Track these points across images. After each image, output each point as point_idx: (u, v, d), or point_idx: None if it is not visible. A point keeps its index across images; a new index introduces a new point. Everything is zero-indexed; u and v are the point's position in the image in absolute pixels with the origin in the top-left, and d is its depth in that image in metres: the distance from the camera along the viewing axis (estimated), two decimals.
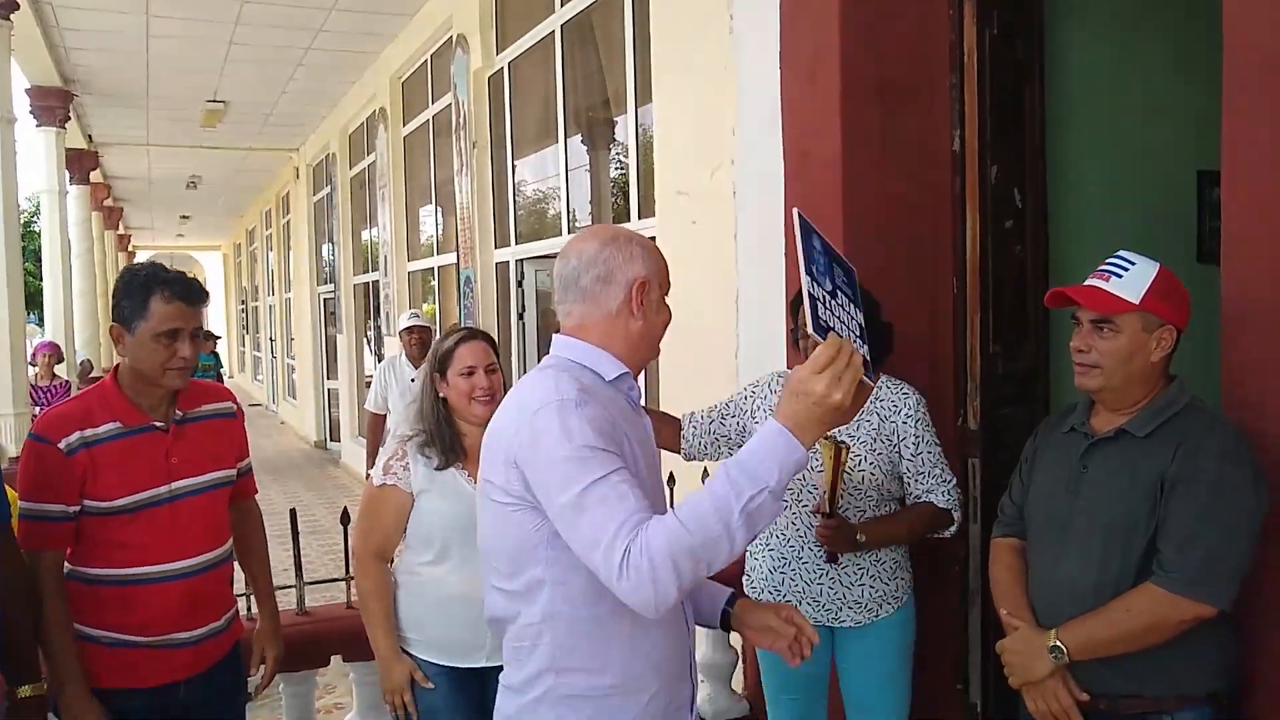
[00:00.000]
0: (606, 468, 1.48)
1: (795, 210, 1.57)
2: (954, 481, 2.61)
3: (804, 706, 2.71)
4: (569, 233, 6.29)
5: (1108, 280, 1.90)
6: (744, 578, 2.75)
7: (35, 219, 19.04)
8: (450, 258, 7.93)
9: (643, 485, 1.55)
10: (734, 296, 3.63)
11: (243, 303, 27.77)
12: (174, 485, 2.15)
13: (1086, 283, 1.94)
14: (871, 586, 2.57)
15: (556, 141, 6.24)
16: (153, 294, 2.09)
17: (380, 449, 4.30)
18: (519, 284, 6.66)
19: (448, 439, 2.40)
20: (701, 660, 3.46)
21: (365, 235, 11.95)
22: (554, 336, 1.73)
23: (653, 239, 4.72)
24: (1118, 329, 1.88)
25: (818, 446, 2.33)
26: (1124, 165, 3.88)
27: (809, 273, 1.46)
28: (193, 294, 2.15)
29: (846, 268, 1.61)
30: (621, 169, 5.78)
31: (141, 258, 34.73)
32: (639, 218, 5.00)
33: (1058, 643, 1.87)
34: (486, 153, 7.05)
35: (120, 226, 22.69)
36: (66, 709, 2.04)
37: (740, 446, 2.71)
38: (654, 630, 1.61)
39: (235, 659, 2.34)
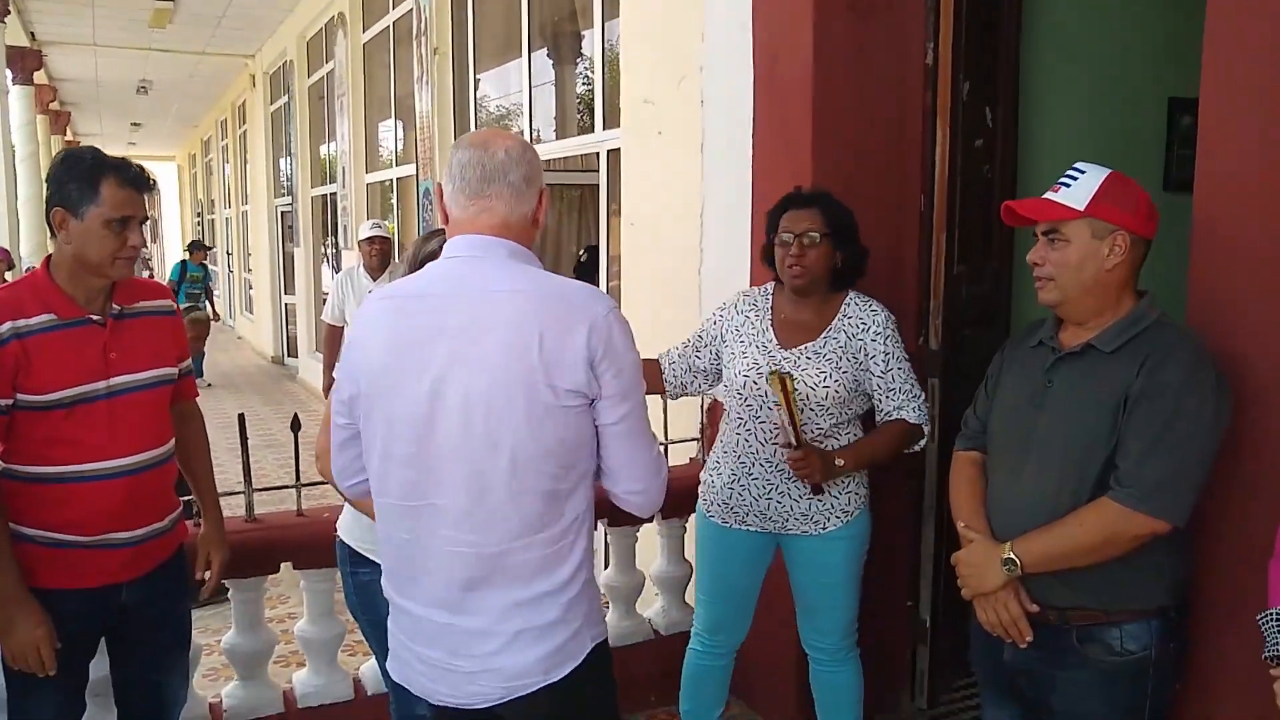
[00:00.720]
0: None
1: None
2: (923, 397, 2.60)
3: (730, 613, 2.74)
4: (536, 142, 6.15)
5: (1057, 191, 1.88)
6: (699, 488, 2.76)
7: None
8: (409, 169, 7.74)
9: None
10: (699, 210, 3.55)
11: (198, 215, 27.08)
12: (113, 381, 2.06)
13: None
14: (819, 500, 2.57)
15: (520, 54, 6.06)
16: (104, 178, 1.98)
17: (337, 362, 4.21)
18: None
19: None
20: (655, 572, 3.47)
21: (324, 149, 11.64)
22: (473, 237, 1.62)
23: (614, 150, 4.68)
24: (1066, 238, 1.86)
25: (768, 386, 2.42)
26: (1096, 89, 3.82)
27: None
28: (143, 181, 2.05)
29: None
30: (588, 84, 5.64)
31: None
32: (604, 128, 4.88)
33: (1011, 555, 1.86)
34: (448, 60, 6.84)
35: (69, 132, 21.92)
36: (2, 607, 1.98)
37: (715, 376, 2.74)
38: None
39: (179, 562, 2.28)
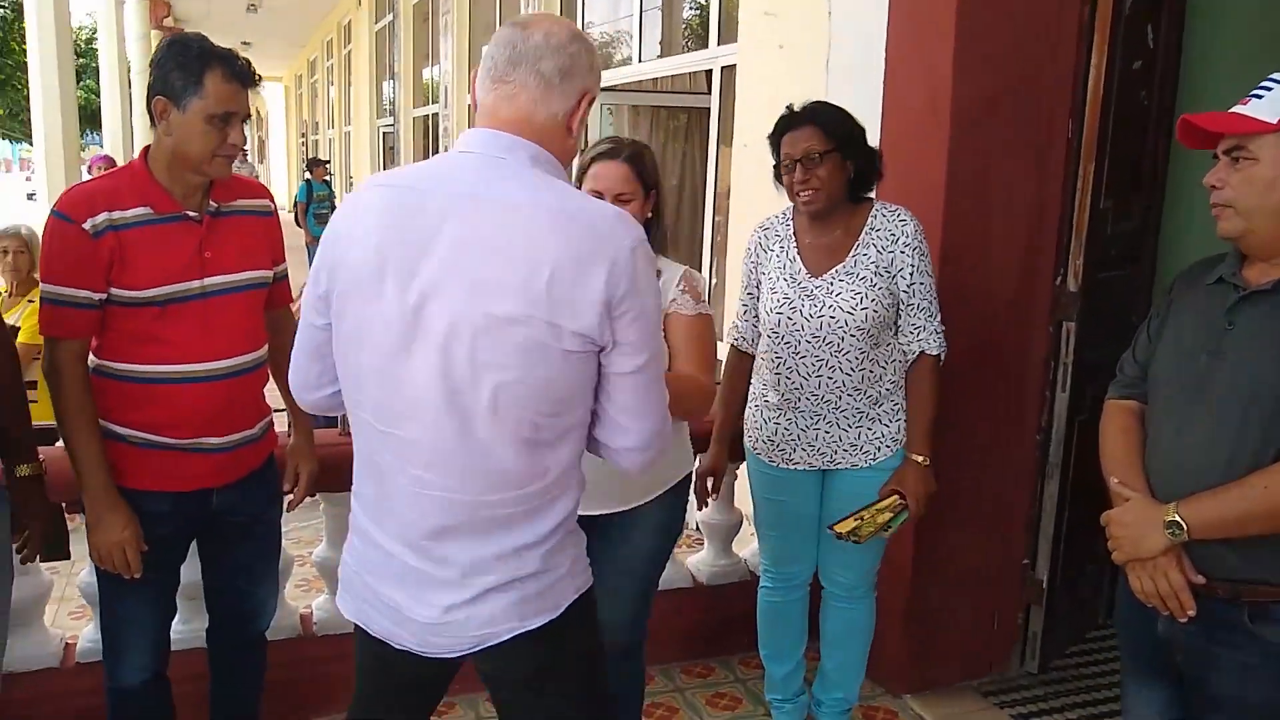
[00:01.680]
0: None
1: None
2: (940, 317, 2.44)
3: (793, 545, 2.62)
4: (639, 62, 5.92)
5: (1247, 104, 1.63)
6: (744, 425, 2.64)
7: (97, 37, 18.73)
8: None
9: None
10: None
11: (303, 135, 27.50)
12: (207, 281, 1.97)
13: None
14: (869, 429, 2.44)
15: None
16: (209, 69, 1.86)
17: None
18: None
19: None
20: (703, 518, 3.33)
21: (426, 71, 11.55)
22: (491, 132, 1.41)
23: (728, 67, 4.43)
24: (1254, 156, 1.61)
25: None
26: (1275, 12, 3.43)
27: None
28: (249, 75, 1.93)
29: None
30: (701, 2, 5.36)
31: None
32: (719, 43, 4.63)
33: (1176, 517, 1.65)
34: None
35: None
36: (90, 506, 1.94)
37: None
38: None
39: (270, 470, 2.22)
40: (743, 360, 2.65)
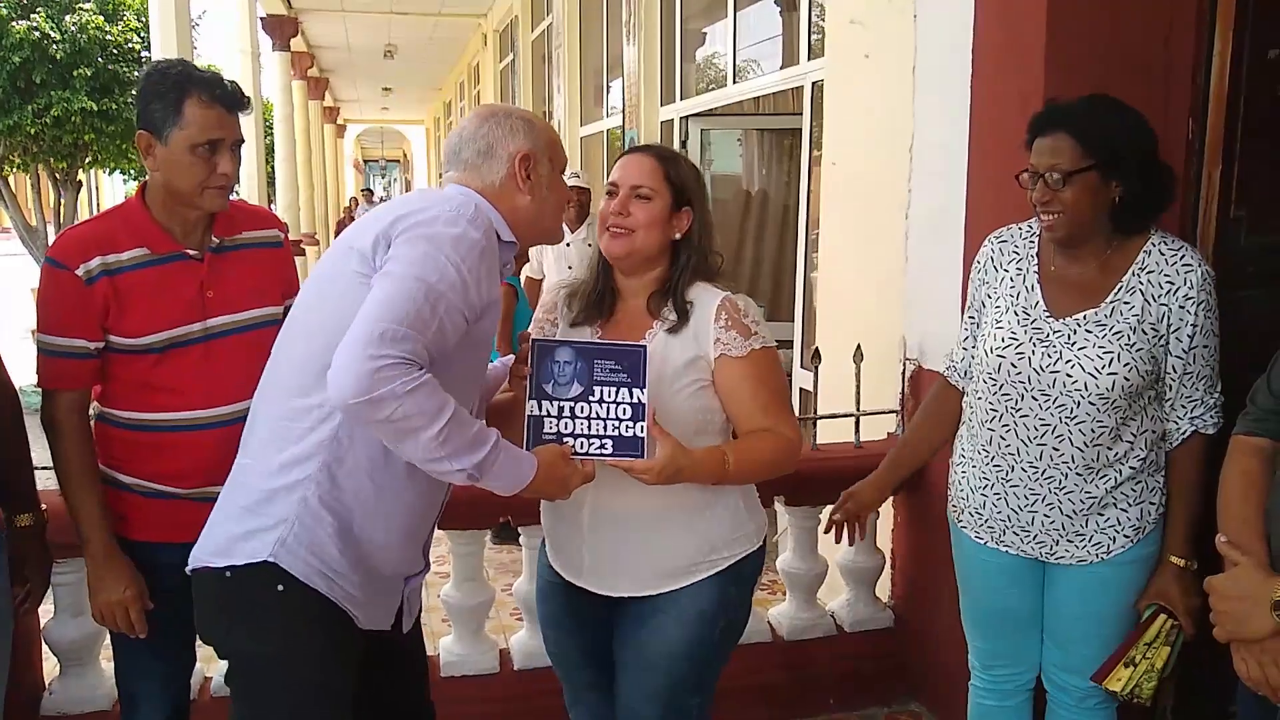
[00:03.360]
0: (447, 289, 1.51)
1: (530, 336, 1.74)
2: (1220, 387, 1.96)
3: (1006, 644, 2.16)
4: (733, 82, 5.75)
5: None
6: (949, 490, 2.21)
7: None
8: (619, 120, 7.53)
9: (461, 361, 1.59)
10: (908, 144, 3.05)
11: (440, 175, 28.44)
12: (209, 323, 1.87)
13: None
14: (1099, 515, 1.95)
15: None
16: (187, 96, 1.78)
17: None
18: (683, 144, 6.16)
19: (595, 291, 1.89)
20: (841, 561, 3.06)
21: (545, 106, 11.71)
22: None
23: (819, 83, 4.20)
24: None
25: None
26: None
27: (536, 395, 1.68)
28: (233, 98, 1.83)
29: (621, 352, 1.70)
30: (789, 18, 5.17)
31: (351, 131, 36.27)
32: (808, 59, 4.40)
33: None
34: (656, 4, 6.53)
35: (327, 98, 23.49)
36: (91, 565, 1.87)
37: None
38: None
39: None
40: (949, 394, 2.20)
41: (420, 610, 1.91)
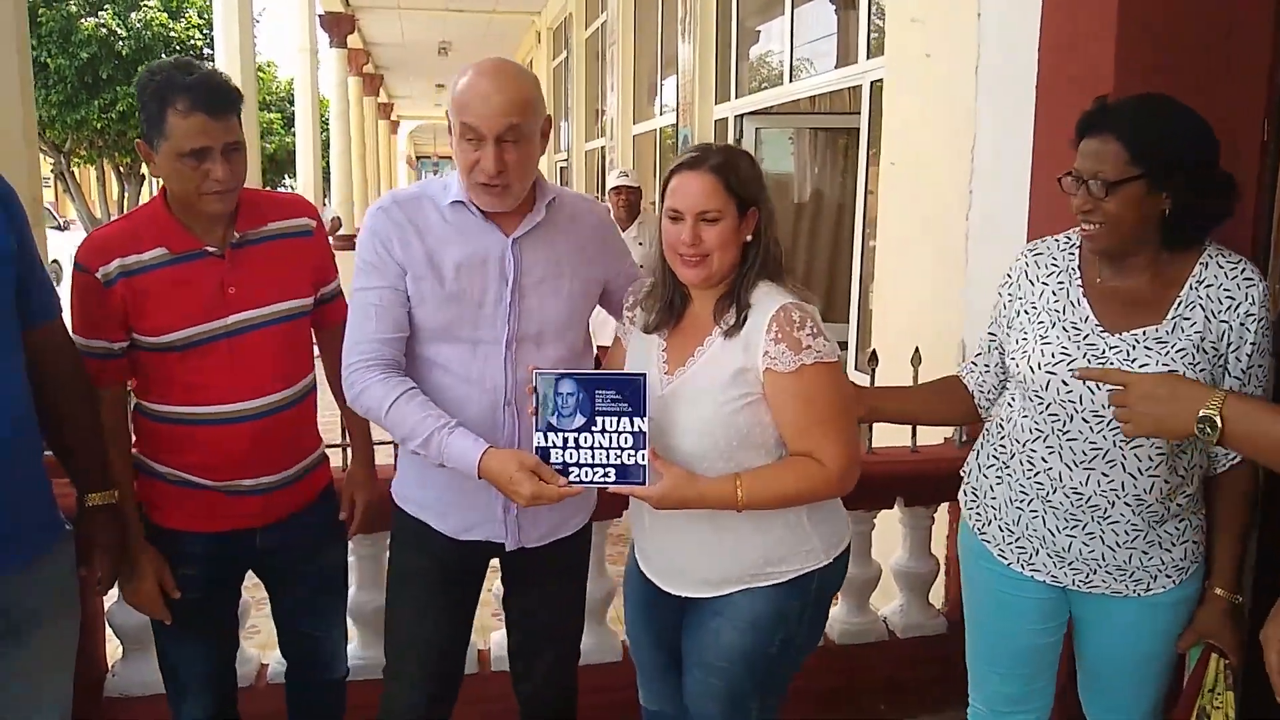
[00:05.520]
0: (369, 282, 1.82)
1: (533, 369, 1.74)
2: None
3: (1017, 684, 2.01)
4: (790, 81, 5.71)
5: None
6: (961, 494, 2.08)
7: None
8: (673, 118, 7.52)
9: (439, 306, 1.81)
10: (969, 145, 3.00)
11: None
12: (231, 319, 1.86)
13: None
14: (1144, 553, 1.81)
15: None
16: (168, 105, 1.74)
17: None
18: (737, 142, 6.14)
19: (666, 298, 1.84)
20: (895, 566, 3.02)
21: (598, 105, 11.76)
22: None
23: (877, 82, 4.16)
24: None
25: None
26: None
27: (543, 427, 1.72)
28: (216, 102, 1.76)
29: (621, 382, 1.72)
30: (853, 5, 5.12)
31: (404, 128, 36.52)
32: (866, 57, 4.36)
33: None
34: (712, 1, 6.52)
35: (382, 94, 23.80)
36: (131, 574, 1.91)
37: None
38: None
39: (324, 507, 2.12)
40: (960, 389, 2.07)
41: None
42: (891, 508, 2.95)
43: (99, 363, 1.85)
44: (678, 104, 7.08)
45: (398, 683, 2.00)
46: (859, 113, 4.56)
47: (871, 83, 4.34)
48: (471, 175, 1.77)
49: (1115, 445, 1.76)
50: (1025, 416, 1.87)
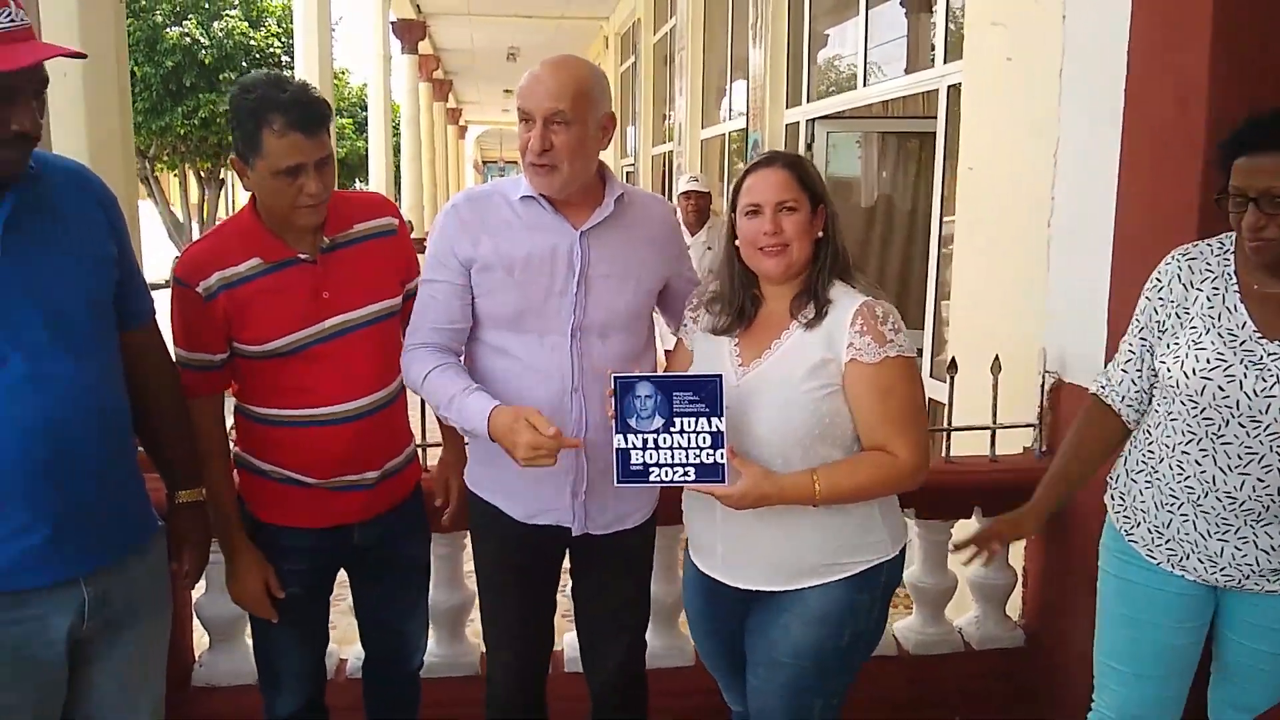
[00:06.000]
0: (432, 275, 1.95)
1: (611, 373, 1.78)
2: None
3: (1150, 689, 1.97)
4: (864, 85, 5.66)
5: None
6: (1108, 498, 2.07)
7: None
8: (743, 123, 7.51)
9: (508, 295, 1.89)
10: (1052, 150, 2.94)
11: None
12: (328, 324, 1.90)
13: None
14: None
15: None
16: (263, 126, 1.77)
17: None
18: (809, 146, 6.10)
19: (737, 299, 1.89)
20: (972, 576, 2.97)
21: (665, 109, 11.78)
22: None
23: (954, 86, 4.10)
24: None
25: None
26: None
27: (621, 429, 1.75)
28: (310, 119, 1.80)
29: (698, 383, 1.76)
30: (934, 12, 5.06)
31: (471, 133, 37.04)
32: (945, 61, 4.31)
33: None
34: (784, 3, 6.48)
35: (450, 99, 24.13)
36: (224, 553, 1.98)
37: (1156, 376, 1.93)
38: None
39: (415, 503, 2.17)
40: (1105, 417, 2.03)
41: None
42: (969, 518, 2.91)
43: (198, 375, 1.91)
44: (748, 108, 7.07)
45: (495, 659, 2.12)
46: (934, 117, 4.50)
47: (949, 87, 4.29)
48: (525, 157, 1.85)
49: (1272, 450, 1.76)
50: (1175, 420, 1.87)
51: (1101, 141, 2.65)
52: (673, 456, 1.74)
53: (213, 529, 1.95)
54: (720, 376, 1.75)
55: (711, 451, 1.73)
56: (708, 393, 1.74)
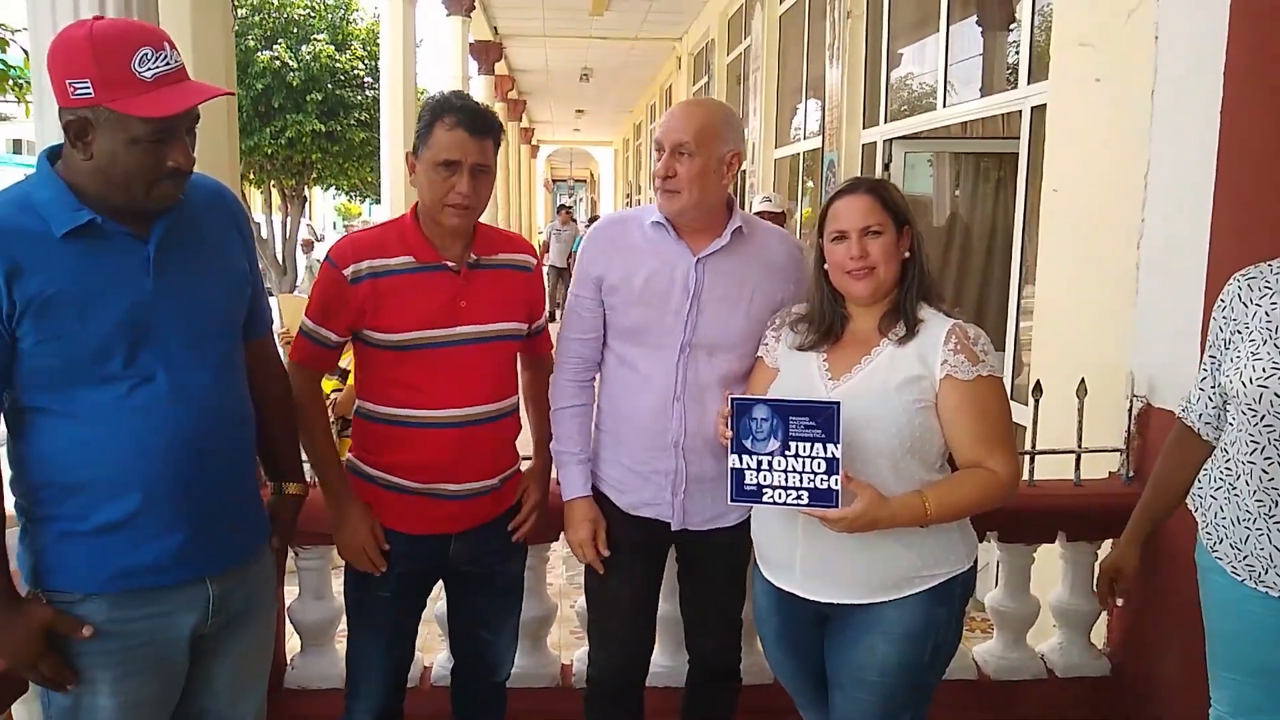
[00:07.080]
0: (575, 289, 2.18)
1: (729, 395, 1.89)
2: None
3: (1258, 692, 1.93)
4: (944, 105, 5.63)
5: None
6: (1195, 512, 2.06)
7: None
8: (817, 142, 7.51)
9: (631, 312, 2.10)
10: (1142, 171, 2.91)
11: (627, 196, 29.09)
12: (458, 330, 2.01)
13: None
14: None
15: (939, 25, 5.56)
16: (438, 119, 1.94)
17: None
18: (885, 167, 6.08)
19: (826, 318, 1.95)
20: (1054, 602, 2.93)
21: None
22: None
23: (1038, 107, 4.07)
24: None
25: None
26: None
27: (737, 450, 1.80)
28: (478, 123, 1.94)
29: (815, 409, 1.77)
30: (1014, 45, 5.01)
31: (543, 152, 37.59)
32: (1028, 82, 4.27)
33: None
34: (861, 24, 6.48)
35: (524, 119, 24.46)
36: (330, 505, 2.07)
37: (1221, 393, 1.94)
38: None
39: (511, 520, 2.22)
40: (1188, 440, 2.06)
41: None
42: (1053, 542, 2.87)
43: (312, 347, 2.05)
44: (823, 128, 7.06)
45: (599, 642, 2.29)
46: (1017, 137, 4.46)
47: (1033, 107, 4.25)
48: (654, 181, 2.06)
49: None
50: (1242, 431, 1.89)
51: (1195, 163, 2.61)
52: (786, 479, 1.79)
53: (322, 480, 2.08)
54: (838, 404, 1.77)
55: (826, 477, 1.77)
56: (825, 419, 1.76)
